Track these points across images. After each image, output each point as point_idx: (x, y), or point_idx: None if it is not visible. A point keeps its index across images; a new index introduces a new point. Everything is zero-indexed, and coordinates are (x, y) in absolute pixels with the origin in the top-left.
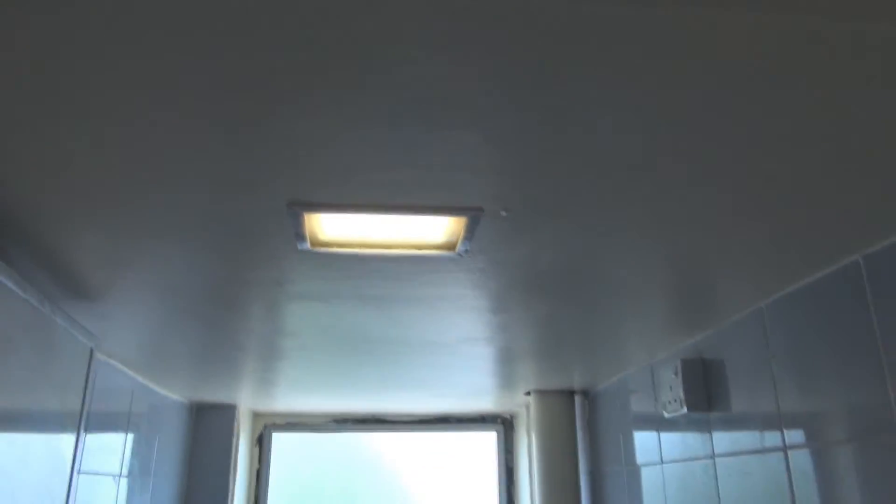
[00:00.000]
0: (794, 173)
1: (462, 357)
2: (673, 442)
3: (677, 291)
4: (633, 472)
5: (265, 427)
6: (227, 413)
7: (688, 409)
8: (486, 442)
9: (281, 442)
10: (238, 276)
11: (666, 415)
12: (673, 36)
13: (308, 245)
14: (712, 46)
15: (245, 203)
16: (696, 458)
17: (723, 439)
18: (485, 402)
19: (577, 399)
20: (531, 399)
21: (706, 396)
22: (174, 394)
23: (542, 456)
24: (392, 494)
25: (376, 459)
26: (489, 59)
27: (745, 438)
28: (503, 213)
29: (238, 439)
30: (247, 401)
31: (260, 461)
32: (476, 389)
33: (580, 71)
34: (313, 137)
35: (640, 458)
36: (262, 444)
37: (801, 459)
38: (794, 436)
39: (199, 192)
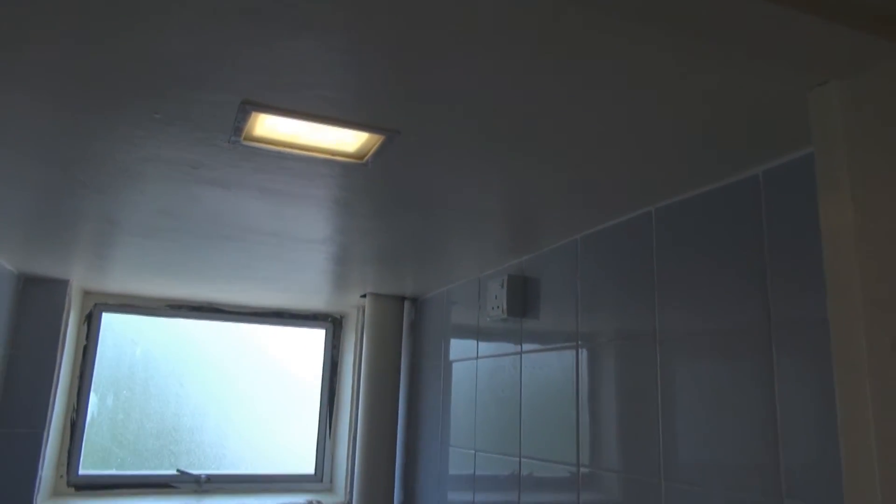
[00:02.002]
0: (571, 141)
1: (315, 254)
2: (489, 342)
3: (510, 220)
4: (449, 367)
5: (95, 306)
6: (58, 288)
7: (508, 314)
8: (315, 339)
9: (110, 321)
10: (156, 153)
11: (489, 319)
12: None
13: (241, 139)
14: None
15: (199, 95)
16: (507, 354)
17: (531, 338)
18: (319, 302)
19: (407, 304)
20: (366, 301)
21: (523, 306)
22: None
23: (369, 353)
24: (219, 383)
25: (206, 350)
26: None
27: (548, 338)
28: (413, 138)
29: (68, 316)
30: (80, 278)
31: (88, 339)
32: (315, 288)
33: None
34: (263, 43)
35: (457, 355)
36: (90, 323)
37: (586, 354)
38: (584, 337)
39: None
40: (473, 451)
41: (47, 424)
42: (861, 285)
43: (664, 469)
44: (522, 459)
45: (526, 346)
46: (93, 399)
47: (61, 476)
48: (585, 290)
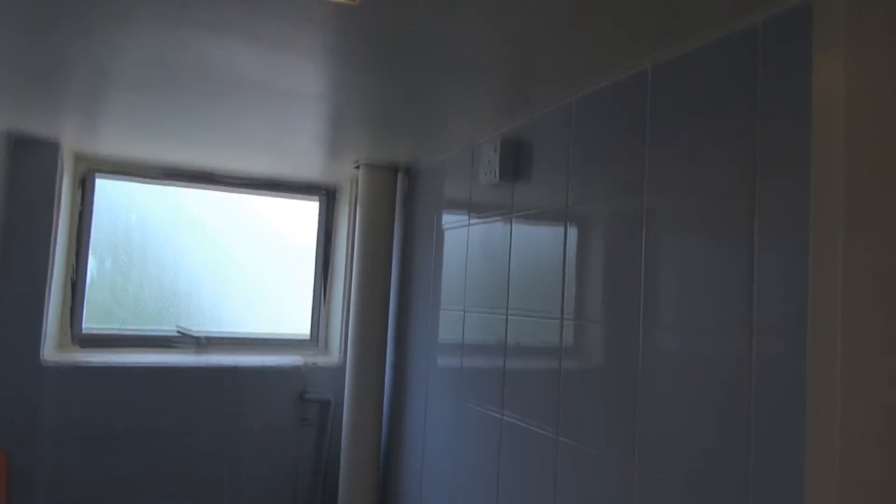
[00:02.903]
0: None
1: (307, 114)
2: (480, 209)
3: (506, 72)
4: (441, 235)
5: (88, 170)
6: (49, 151)
7: (500, 178)
8: (309, 210)
9: (105, 187)
10: None
11: (482, 184)
12: None
13: None
14: None
15: None
16: (498, 220)
17: (522, 203)
18: (313, 171)
19: (400, 176)
20: (360, 172)
21: (515, 170)
22: None
23: (363, 224)
24: (216, 250)
25: (203, 219)
26: None
27: (538, 202)
28: None
29: (62, 180)
30: (71, 139)
31: (83, 203)
32: (308, 155)
33: None
34: None
35: (449, 224)
36: (84, 188)
37: (576, 218)
38: (574, 203)
39: None
40: (462, 312)
41: (48, 282)
42: (844, 155)
43: (643, 318)
44: (510, 316)
45: (517, 212)
46: (91, 261)
47: (65, 333)
48: (577, 156)
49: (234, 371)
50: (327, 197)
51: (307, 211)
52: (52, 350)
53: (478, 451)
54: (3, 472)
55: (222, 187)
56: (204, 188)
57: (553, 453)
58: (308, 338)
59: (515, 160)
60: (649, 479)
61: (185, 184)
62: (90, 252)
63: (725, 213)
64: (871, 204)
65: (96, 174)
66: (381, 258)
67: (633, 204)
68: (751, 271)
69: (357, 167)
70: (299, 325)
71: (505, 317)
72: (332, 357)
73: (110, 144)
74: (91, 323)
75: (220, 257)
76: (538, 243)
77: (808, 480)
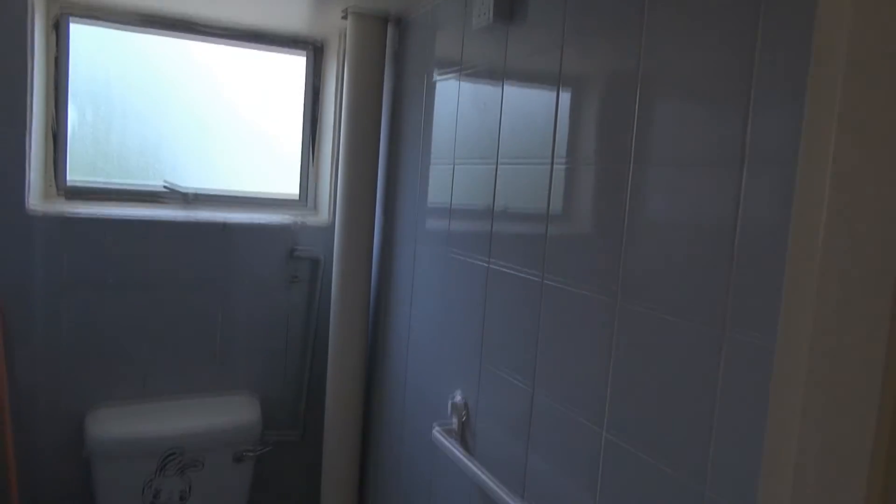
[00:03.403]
0: None
1: None
2: (473, 58)
3: None
4: (432, 89)
5: (61, 13)
6: None
7: (494, 18)
8: (296, 66)
9: (82, 36)
10: None
11: (474, 27)
12: None
13: None
14: None
15: None
16: (490, 67)
17: (516, 47)
18: (298, 21)
19: (390, 29)
20: (348, 22)
21: (510, 9)
22: None
23: (351, 79)
24: (201, 107)
25: (186, 70)
26: None
27: (534, 45)
28: None
29: (33, 23)
30: None
31: (58, 49)
32: (291, 1)
33: None
34: None
35: (440, 75)
36: (59, 33)
37: (572, 66)
38: (570, 50)
39: None
40: (452, 165)
41: (28, 128)
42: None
43: (634, 158)
44: (500, 166)
45: (511, 58)
46: (72, 112)
47: (50, 184)
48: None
49: (223, 227)
50: (314, 52)
51: (294, 67)
52: (37, 201)
53: (464, 297)
54: None
55: (203, 37)
56: (184, 38)
57: (538, 294)
58: (297, 197)
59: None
60: (629, 312)
61: (165, 32)
62: (69, 102)
63: (722, 77)
64: (872, 69)
65: (70, 17)
66: (370, 115)
67: (630, 52)
68: (743, 137)
69: (345, 16)
70: (287, 184)
71: (495, 166)
72: (322, 216)
73: None
74: (75, 175)
75: (206, 114)
76: (531, 93)
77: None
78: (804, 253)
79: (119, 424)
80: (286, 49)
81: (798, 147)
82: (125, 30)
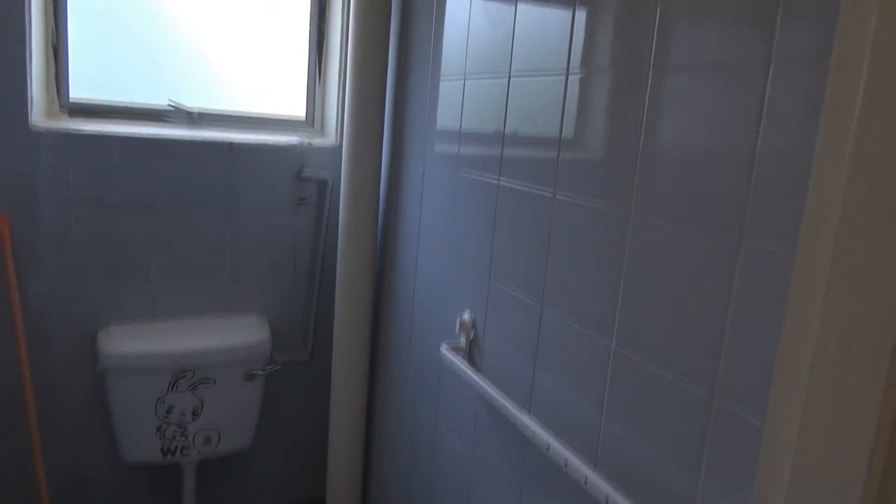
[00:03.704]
0: None
1: None
2: None
3: None
4: (442, 3)
5: None
6: None
7: None
8: None
9: None
10: None
11: None
12: None
13: None
14: None
15: None
16: None
17: None
18: None
19: None
20: None
21: None
22: None
23: None
24: (206, 19)
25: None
26: None
27: None
28: None
29: None
30: None
31: None
32: None
33: None
34: None
35: None
36: None
37: None
38: None
39: None
40: (463, 81)
41: (27, 43)
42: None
43: (654, 61)
44: (512, 79)
45: None
46: (72, 27)
47: (52, 101)
48: None
49: (229, 147)
50: None
51: None
52: (40, 118)
53: (473, 216)
54: (7, 233)
55: None
56: None
57: (549, 210)
58: (303, 118)
59: None
60: (644, 223)
61: None
62: (69, 16)
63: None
64: None
65: None
66: (378, 32)
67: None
68: (770, 38)
69: None
70: (293, 106)
71: (507, 80)
72: (329, 137)
73: None
74: (78, 92)
75: (210, 31)
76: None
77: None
78: (832, 158)
79: (131, 341)
80: None
81: (830, 49)
82: None
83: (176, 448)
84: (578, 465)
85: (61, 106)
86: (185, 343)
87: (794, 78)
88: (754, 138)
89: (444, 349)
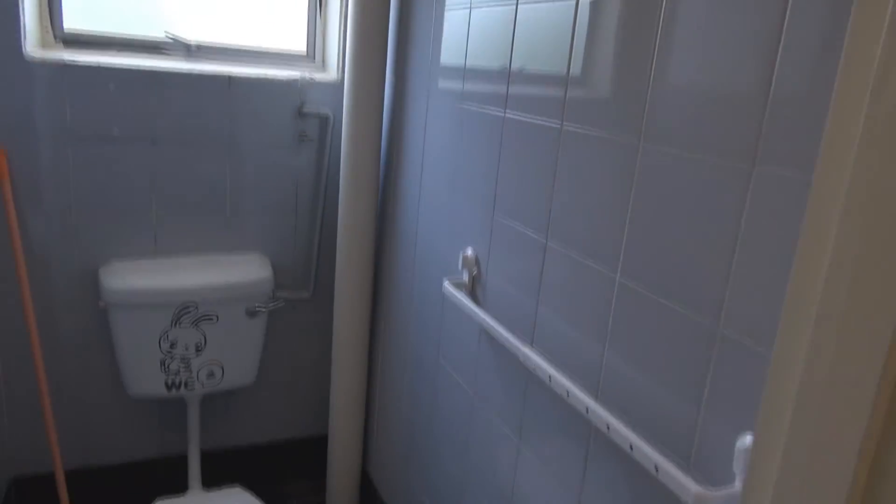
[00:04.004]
0: None
1: None
2: None
3: None
4: None
5: None
6: None
7: None
8: None
9: None
10: None
11: None
12: None
13: None
14: None
15: None
16: None
17: None
18: None
19: None
20: None
21: None
22: None
23: None
24: None
25: None
26: None
27: None
28: None
29: None
30: None
31: None
32: None
33: None
34: None
35: None
36: None
37: None
38: None
39: None
40: (468, 9)
41: None
42: None
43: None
44: (520, 5)
45: None
46: None
47: (46, 31)
48: None
49: (228, 80)
50: None
51: None
52: (35, 48)
53: (477, 150)
54: (5, 168)
55: None
56: None
57: (556, 141)
58: (304, 53)
59: None
60: (653, 152)
61: None
62: None
63: None
64: None
65: None
66: None
67: None
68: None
69: None
70: (294, 39)
71: (514, 6)
72: (330, 72)
73: None
74: (72, 23)
75: None
76: None
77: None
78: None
79: (133, 277)
80: None
81: None
82: None
83: (180, 382)
84: (580, 395)
85: (55, 36)
86: (188, 279)
87: (813, 4)
88: (772, 64)
89: (447, 284)
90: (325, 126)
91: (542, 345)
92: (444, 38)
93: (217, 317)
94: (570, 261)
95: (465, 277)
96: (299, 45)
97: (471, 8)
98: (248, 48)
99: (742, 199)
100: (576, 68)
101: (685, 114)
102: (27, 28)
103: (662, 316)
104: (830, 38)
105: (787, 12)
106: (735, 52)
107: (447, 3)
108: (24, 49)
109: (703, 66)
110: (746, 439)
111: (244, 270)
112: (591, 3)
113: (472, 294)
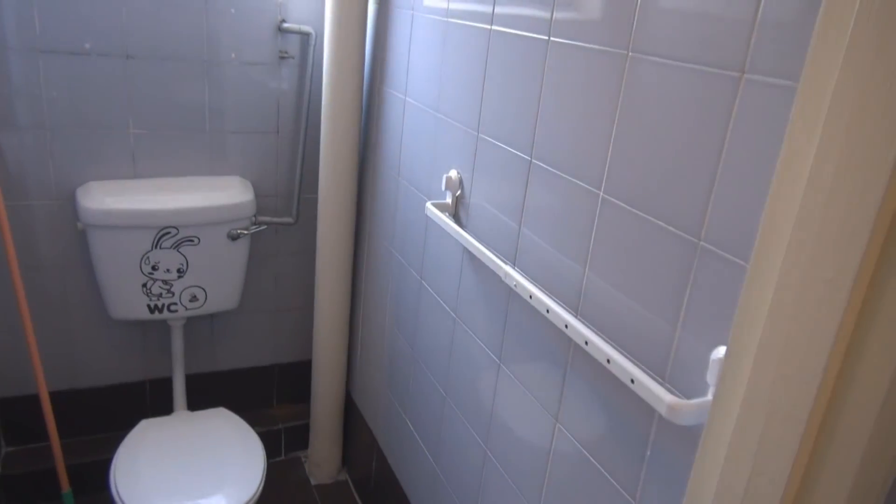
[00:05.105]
0: None
1: None
2: None
3: None
4: None
5: None
6: None
7: None
8: None
9: None
10: None
11: None
12: None
13: None
14: None
15: None
16: None
17: None
18: None
19: None
20: None
21: None
22: None
23: None
24: None
25: None
26: None
27: None
28: None
29: None
30: None
31: None
32: None
33: None
34: None
35: None
36: None
37: None
38: None
39: None
40: None
41: None
42: None
43: None
44: None
45: None
46: None
47: None
48: None
49: None
50: None
51: None
52: None
53: (463, 66)
54: None
55: None
56: None
57: (542, 54)
58: None
59: None
60: (640, 62)
61: None
62: None
63: None
64: None
65: None
66: None
67: None
68: None
69: None
70: None
71: None
72: None
73: None
74: None
75: None
76: None
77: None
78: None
79: (111, 198)
80: None
81: None
82: None
83: (163, 305)
84: (560, 312)
85: None
86: (167, 201)
87: None
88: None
89: (429, 206)
90: (307, 44)
91: (523, 265)
92: None
93: (199, 239)
94: (555, 179)
95: (448, 199)
96: None
97: None
98: None
99: (729, 108)
100: None
101: (674, 22)
102: None
103: (644, 232)
104: None
105: None
106: None
107: None
108: None
109: None
110: (720, 350)
111: (226, 193)
112: None
113: (455, 216)
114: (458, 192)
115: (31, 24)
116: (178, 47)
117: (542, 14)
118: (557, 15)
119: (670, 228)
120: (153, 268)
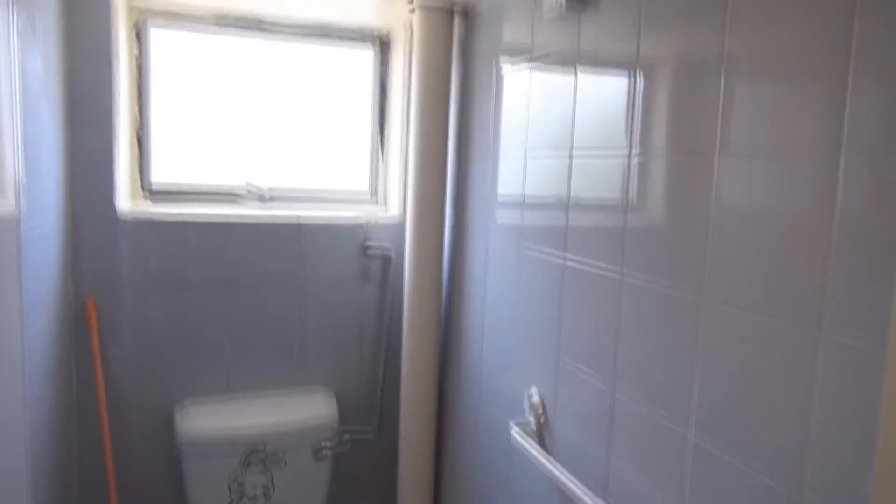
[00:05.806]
0: None
1: None
2: (543, 48)
3: None
4: (500, 82)
5: (142, 18)
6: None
7: (567, 6)
8: (363, 61)
9: (163, 41)
10: None
11: (545, 16)
12: None
13: None
14: None
15: None
16: (562, 58)
17: (588, 37)
18: (365, 14)
19: (457, 20)
20: (414, 16)
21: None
22: None
23: (419, 72)
24: (274, 103)
25: (258, 69)
26: None
27: (607, 37)
28: None
29: (117, 28)
30: None
31: (140, 55)
32: None
33: None
34: None
35: (509, 68)
36: (140, 39)
37: (648, 57)
38: (647, 40)
39: None
40: (524, 159)
41: (115, 133)
42: None
43: (719, 147)
44: (574, 159)
45: (583, 49)
46: (154, 114)
47: (136, 187)
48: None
49: (297, 226)
50: (381, 46)
51: (361, 62)
52: (125, 203)
53: (539, 294)
54: (93, 317)
55: (273, 35)
56: (255, 37)
57: (617, 291)
58: (367, 193)
59: None
60: (715, 310)
61: (237, 33)
62: (151, 105)
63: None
64: None
65: (149, 23)
66: (438, 108)
67: (712, 43)
68: (840, 122)
69: (412, 10)
70: (357, 180)
71: (569, 159)
72: (391, 211)
73: None
74: (159, 177)
75: (277, 111)
76: (605, 81)
77: None
78: None
79: (207, 420)
80: (353, 42)
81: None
82: (201, 32)
83: None
84: None
85: (143, 190)
86: (257, 420)
87: (868, 162)
88: (828, 224)
89: (515, 432)
90: (388, 264)
91: (617, 498)
92: (500, 182)
93: (284, 458)
94: (640, 413)
95: (532, 422)
96: (362, 184)
97: (526, 157)
98: (315, 190)
99: (812, 363)
100: (632, 218)
101: (747, 273)
102: (119, 186)
103: (741, 481)
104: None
105: (840, 170)
106: (792, 212)
107: (503, 150)
108: (116, 207)
109: (760, 221)
110: None
111: (310, 409)
112: (641, 160)
113: (541, 439)
114: (542, 415)
115: (147, 265)
116: (273, 272)
117: (613, 267)
118: (629, 254)
119: (769, 480)
120: (241, 491)
